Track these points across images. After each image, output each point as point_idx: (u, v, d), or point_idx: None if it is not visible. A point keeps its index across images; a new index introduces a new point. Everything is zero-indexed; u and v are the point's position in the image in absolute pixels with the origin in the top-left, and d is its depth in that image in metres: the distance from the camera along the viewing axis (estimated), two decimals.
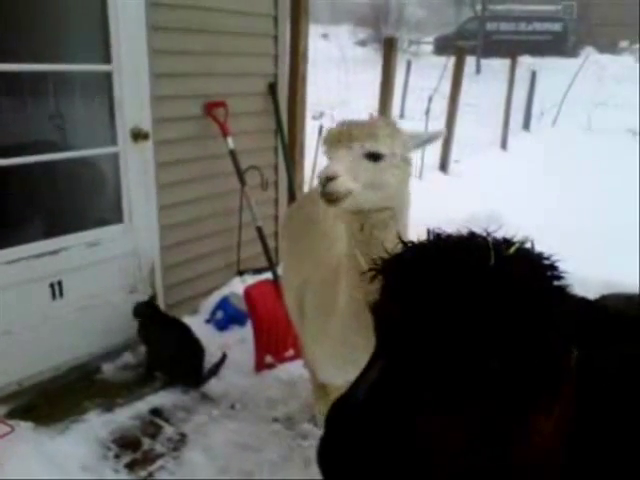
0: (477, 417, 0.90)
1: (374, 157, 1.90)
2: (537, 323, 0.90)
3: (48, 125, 3.62)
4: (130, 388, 3.39)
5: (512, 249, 0.98)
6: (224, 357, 3.56)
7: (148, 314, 3.53)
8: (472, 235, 1.03)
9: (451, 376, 0.90)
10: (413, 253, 1.03)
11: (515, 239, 1.02)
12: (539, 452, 0.94)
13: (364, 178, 1.87)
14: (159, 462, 2.85)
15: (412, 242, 1.07)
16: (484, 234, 1.03)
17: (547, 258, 0.99)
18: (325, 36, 20.00)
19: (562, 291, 0.95)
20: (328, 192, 1.84)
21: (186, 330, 3.59)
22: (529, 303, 0.89)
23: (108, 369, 3.56)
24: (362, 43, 26.40)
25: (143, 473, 2.77)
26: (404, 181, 2.01)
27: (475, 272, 0.92)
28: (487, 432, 0.91)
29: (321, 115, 10.10)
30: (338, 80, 9.89)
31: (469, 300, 0.90)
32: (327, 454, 0.98)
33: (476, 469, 0.92)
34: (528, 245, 1.02)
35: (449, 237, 1.04)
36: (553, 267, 0.97)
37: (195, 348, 3.52)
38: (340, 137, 1.91)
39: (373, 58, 19.83)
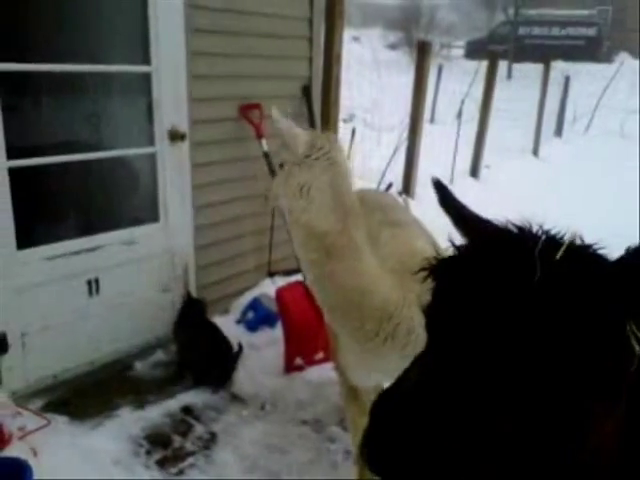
0: (528, 414, 0.89)
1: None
2: (593, 323, 0.88)
3: (86, 125, 3.68)
4: (161, 386, 3.44)
5: (560, 251, 0.97)
6: (240, 349, 3.56)
7: (191, 312, 3.58)
8: (521, 233, 1.01)
9: (502, 377, 0.89)
10: (465, 254, 1.03)
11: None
12: (600, 452, 0.94)
13: None
14: (189, 460, 2.89)
15: (463, 244, 1.07)
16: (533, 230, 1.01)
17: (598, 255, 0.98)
18: (356, 39, 20.00)
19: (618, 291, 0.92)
20: None
21: (217, 330, 3.63)
22: (583, 311, 0.89)
23: (140, 366, 3.61)
24: (393, 46, 26.37)
25: (174, 470, 2.81)
26: None
27: (522, 283, 0.91)
28: (542, 429, 0.90)
29: (351, 118, 10.11)
30: (370, 83, 9.87)
31: (517, 310, 0.89)
32: (375, 443, 0.96)
33: (527, 465, 0.91)
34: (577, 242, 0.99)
35: (498, 234, 1.03)
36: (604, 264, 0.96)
37: (225, 349, 3.55)
38: None
39: (404, 61, 19.82)
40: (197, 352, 3.58)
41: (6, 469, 2.21)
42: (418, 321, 1.97)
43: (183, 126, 3.59)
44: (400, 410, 0.94)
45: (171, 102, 3.54)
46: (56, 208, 3.35)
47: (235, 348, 3.54)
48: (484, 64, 9.54)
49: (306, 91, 4.42)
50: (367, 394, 2.45)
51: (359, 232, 2.11)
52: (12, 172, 2.98)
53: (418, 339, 1.99)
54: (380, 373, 2.33)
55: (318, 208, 2.07)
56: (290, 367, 3.65)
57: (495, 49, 10.34)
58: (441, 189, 1.08)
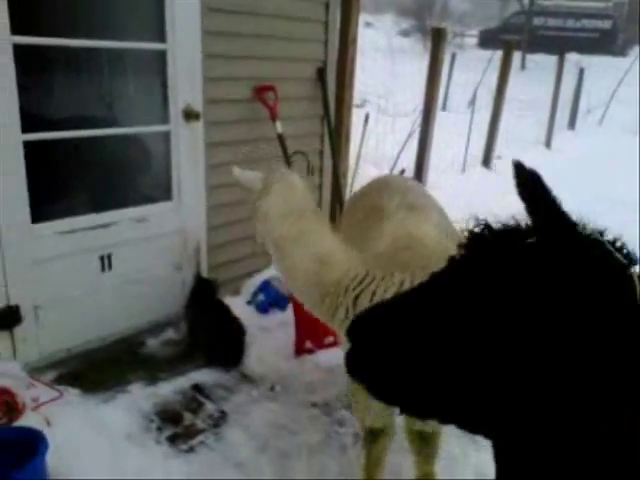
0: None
1: None
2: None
3: (101, 101, 3.68)
4: (172, 363, 3.45)
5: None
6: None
7: (202, 292, 3.60)
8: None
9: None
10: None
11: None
12: None
13: None
14: (200, 437, 2.90)
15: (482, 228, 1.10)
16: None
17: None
18: (370, 25, 19.86)
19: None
20: None
21: (227, 311, 3.64)
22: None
23: (151, 344, 3.62)
24: (405, 33, 26.15)
25: (184, 447, 2.82)
26: None
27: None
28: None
29: (363, 103, 10.05)
30: (384, 68, 9.81)
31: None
32: (354, 357, 1.12)
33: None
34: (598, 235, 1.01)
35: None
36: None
37: (236, 329, 3.57)
38: None
39: (417, 49, 19.67)
40: (208, 332, 3.60)
41: (22, 438, 2.23)
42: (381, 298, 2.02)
43: (197, 105, 3.58)
44: (375, 329, 1.10)
45: (186, 81, 3.53)
46: (70, 184, 3.36)
47: (246, 329, 3.56)
48: (498, 54, 9.46)
49: (321, 74, 4.39)
50: None
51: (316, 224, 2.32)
52: (28, 146, 2.98)
53: None
54: None
55: (273, 220, 2.34)
56: (300, 350, 3.66)
57: (509, 39, 10.20)
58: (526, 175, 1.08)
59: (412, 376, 1.05)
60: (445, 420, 1.12)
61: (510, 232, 1.03)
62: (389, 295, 2.00)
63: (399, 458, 2.68)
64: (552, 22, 25.90)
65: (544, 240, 0.98)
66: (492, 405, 1.01)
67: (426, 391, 1.05)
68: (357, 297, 2.13)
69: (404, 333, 1.05)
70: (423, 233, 2.27)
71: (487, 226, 1.05)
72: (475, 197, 6.23)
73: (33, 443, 2.15)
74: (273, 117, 3.96)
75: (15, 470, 2.04)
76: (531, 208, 1.00)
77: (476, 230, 1.06)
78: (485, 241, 1.04)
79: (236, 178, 2.53)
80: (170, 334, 3.72)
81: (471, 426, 1.08)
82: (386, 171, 6.48)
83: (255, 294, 4.09)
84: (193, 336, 3.67)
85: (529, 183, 1.00)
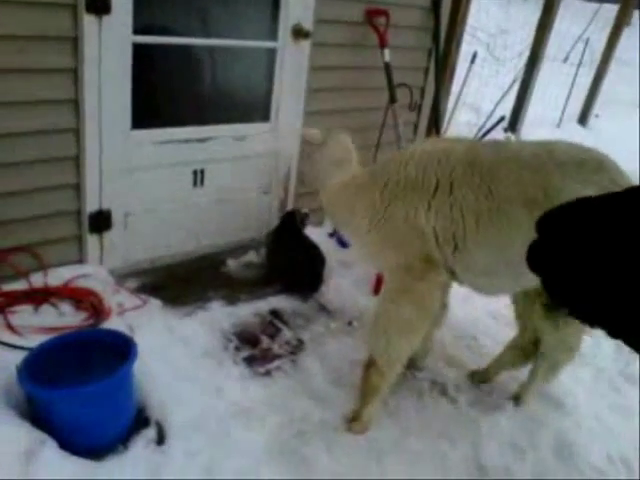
0: None
1: None
2: None
3: (210, 13, 3.53)
4: (252, 286, 3.43)
5: None
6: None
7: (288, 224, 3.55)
8: None
9: None
10: None
11: None
12: None
13: None
14: (276, 362, 2.89)
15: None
16: None
17: None
18: None
19: None
20: None
21: (307, 239, 3.58)
22: None
23: (232, 264, 3.61)
24: None
25: (261, 370, 2.81)
26: None
27: None
28: None
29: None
30: (500, 6, 9.25)
31: None
32: (543, 249, 1.06)
33: None
34: None
35: None
36: None
37: (315, 256, 3.51)
38: None
39: None
40: (287, 257, 3.55)
41: (112, 341, 2.25)
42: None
43: (308, 23, 3.41)
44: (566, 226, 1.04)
45: None
46: (171, 94, 3.27)
47: (325, 258, 3.51)
48: (605, 7, 8.80)
49: (436, 4, 4.11)
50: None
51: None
52: (136, 50, 2.90)
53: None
54: None
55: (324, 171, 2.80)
56: (379, 289, 3.57)
57: None
58: None
59: (598, 279, 0.99)
60: (614, 332, 1.07)
61: None
62: None
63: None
64: None
65: None
66: None
67: (608, 297, 0.99)
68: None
69: (601, 235, 0.99)
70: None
71: None
72: None
73: (123, 347, 2.16)
74: (382, 44, 3.75)
75: (107, 372, 2.06)
76: None
77: None
78: None
79: (304, 134, 3.03)
80: (252, 257, 3.70)
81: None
82: (483, 118, 6.15)
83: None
84: (272, 262, 3.63)
85: None
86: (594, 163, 2.13)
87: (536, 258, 1.07)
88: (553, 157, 2.14)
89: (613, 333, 1.05)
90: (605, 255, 0.98)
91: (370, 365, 2.55)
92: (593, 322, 1.09)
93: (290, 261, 3.53)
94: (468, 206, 2.21)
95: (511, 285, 2.45)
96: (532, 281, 2.26)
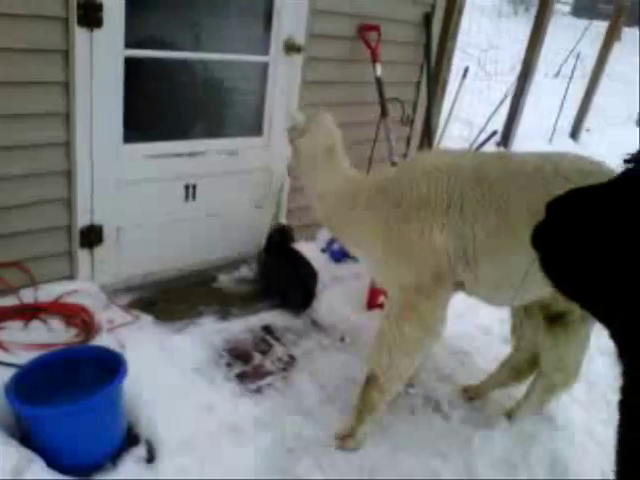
0: None
1: None
2: None
3: (204, 27, 3.54)
4: (244, 301, 3.42)
5: None
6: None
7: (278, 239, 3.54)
8: None
9: None
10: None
11: None
12: None
13: None
14: (268, 379, 2.87)
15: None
16: None
17: None
18: None
19: None
20: None
21: (300, 255, 3.57)
22: None
23: (225, 279, 3.60)
24: None
25: (252, 387, 2.79)
26: None
27: None
28: None
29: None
30: (491, 21, 9.36)
31: None
32: (547, 230, 1.16)
33: None
34: None
35: None
36: None
37: (308, 272, 3.50)
38: None
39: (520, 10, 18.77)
40: (280, 273, 3.54)
41: (102, 358, 2.22)
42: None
43: (300, 38, 3.42)
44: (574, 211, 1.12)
45: (291, 11, 3.37)
46: (163, 108, 3.27)
47: (318, 273, 3.50)
48: (594, 24, 8.95)
49: (427, 19, 4.14)
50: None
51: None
52: (128, 64, 2.89)
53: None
54: None
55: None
56: (372, 304, 3.57)
57: (623, 2, 9.51)
58: None
59: (599, 261, 1.07)
60: (596, 310, 1.18)
61: None
62: None
63: None
64: None
65: None
66: None
67: (604, 279, 1.07)
68: None
69: (603, 220, 1.07)
70: None
71: None
72: None
73: (113, 364, 2.14)
74: (374, 59, 3.76)
75: (96, 389, 2.03)
76: None
77: None
78: None
79: (292, 116, 2.86)
80: (244, 272, 3.69)
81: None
82: (475, 131, 6.19)
83: (330, 242, 3.99)
84: (265, 278, 3.62)
85: None
86: (600, 176, 2.15)
87: (540, 236, 1.15)
88: (558, 170, 2.17)
89: (600, 315, 1.13)
90: (603, 237, 1.05)
91: (370, 382, 2.52)
92: (583, 300, 1.18)
93: (282, 277, 3.52)
94: (479, 222, 2.24)
95: (520, 297, 2.45)
96: (540, 293, 2.28)
